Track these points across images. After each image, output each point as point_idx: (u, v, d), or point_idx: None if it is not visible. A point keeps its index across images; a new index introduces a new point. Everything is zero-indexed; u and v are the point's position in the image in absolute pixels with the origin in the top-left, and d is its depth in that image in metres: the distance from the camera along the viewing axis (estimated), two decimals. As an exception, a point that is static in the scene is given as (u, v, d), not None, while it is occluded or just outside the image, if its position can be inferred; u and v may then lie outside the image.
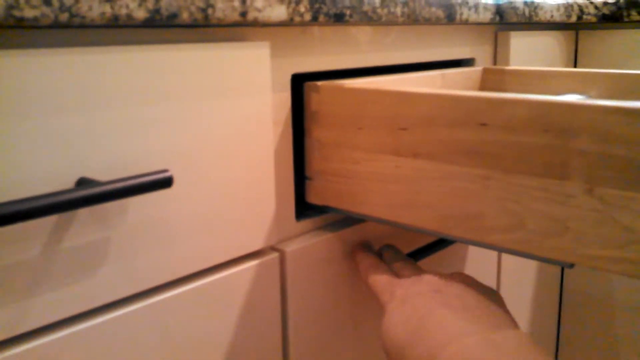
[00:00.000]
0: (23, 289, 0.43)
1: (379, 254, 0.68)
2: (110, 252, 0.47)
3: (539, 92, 0.84)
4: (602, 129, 0.44)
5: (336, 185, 0.63)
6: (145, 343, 0.51)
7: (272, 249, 0.63)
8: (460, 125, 0.52)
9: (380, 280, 0.61)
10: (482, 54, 0.96)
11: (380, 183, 0.58)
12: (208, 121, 0.53)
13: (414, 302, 0.54)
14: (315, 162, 0.64)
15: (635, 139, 0.43)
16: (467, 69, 0.86)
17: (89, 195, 0.42)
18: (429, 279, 0.57)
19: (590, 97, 0.78)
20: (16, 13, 0.39)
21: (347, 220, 0.70)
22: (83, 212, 0.45)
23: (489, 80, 0.88)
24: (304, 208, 0.69)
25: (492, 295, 0.56)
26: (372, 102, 0.58)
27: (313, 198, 0.66)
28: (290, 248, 0.62)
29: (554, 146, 0.47)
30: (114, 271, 0.48)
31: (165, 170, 0.46)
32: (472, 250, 0.93)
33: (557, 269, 1.26)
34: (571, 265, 0.50)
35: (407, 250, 0.77)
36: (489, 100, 0.50)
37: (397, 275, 0.62)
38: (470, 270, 0.94)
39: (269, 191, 0.60)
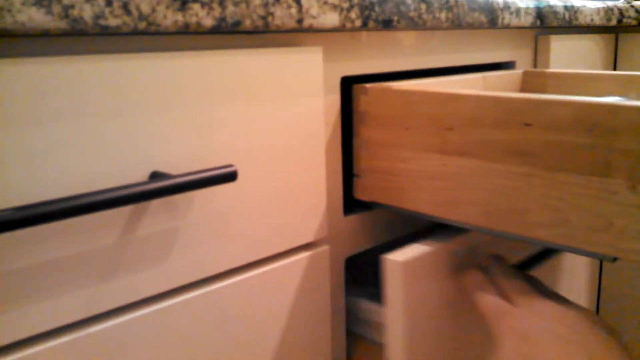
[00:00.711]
0: (101, 273, 0.47)
1: (485, 267, 0.63)
2: (177, 241, 0.51)
3: (579, 94, 0.86)
4: None
5: (383, 183, 0.66)
6: (209, 325, 0.55)
7: (323, 241, 0.66)
8: (505, 125, 0.54)
9: (489, 303, 0.57)
10: (522, 57, 0.98)
11: (427, 181, 0.61)
12: (266, 121, 0.57)
13: (535, 344, 0.50)
14: (363, 160, 0.67)
15: None
16: (508, 71, 0.88)
17: (161, 187, 0.46)
18: (548, 313, 0.53)
19: (631, 99, 0.80)
20: (102, 22, 0.43)
21: (451, 229, 0.65)
22: (154, 204, 0.49)
23: (529, 83, 0.90)
24: (351, 204, 0.72)
25: (616, 340, 0.52)
26: (419, 103, 0.61)
27: (361, 194, 0.69)
28: (402, 258, 0.56)
29: (597, 145, 0.49)
30: (181, 259, 0.52)
31: (230, 165, 0.50)
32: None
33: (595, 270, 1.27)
34: (614, 260, 0.52)
35: (513, 261, 0.72)
36: (534, 102, 0.52)
37: (507, 296, 0.57)
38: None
39: (320, 187, 0.63)
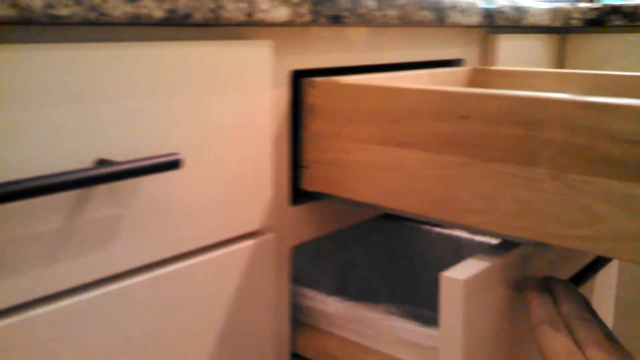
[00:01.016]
0: (47, 256, 0.49)
1: (549, 289, 0.59)
2: (123, 227, 0.53)
3: (522, 90, 0.89)
4: (567, 120, 0.50)
5: (329, 174, 0.68)
6: (152, 309, 0.57)
7: (268, 230, 0.69)
8: (443, 117, 0.57)
9: (559, 351, 0.52)
10: (471, 55, 1.01)
11: (370, 171, 0.64)
12: (214, 112, 0.59)
13: None
14: (310, 152, 0.70)
15: (594, 129, 0.49)
16: (456, 68, 0.92)
17: (106, 173, 0.47)
18: None
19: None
20: (52, 11, 0.44)
21: (508, 245, 0.60)
22: (101, 190, 0.51)
23: (476, 80, 0.94)
24: (300, 195, 0.74)
25: None
26: (364, 97, 0.63)
27: (308, 185, 0.71)
28: (463, 276, 0.52)
29: (525, 136, 0.53)
30: (127, 244, 0.54)
31: (175, 154, 0.52)
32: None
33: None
34: (540, 244, 0.55)
35: (566, 275, 0.69)
36: (469, 96, 0.55)
37: (579, 344, 0.53)
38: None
39: (266, 177, 0.65)
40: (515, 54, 1.09)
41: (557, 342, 0.53)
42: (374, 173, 0.64)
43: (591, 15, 1.16)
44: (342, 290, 1.04)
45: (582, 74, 0.86)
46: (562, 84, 0.87)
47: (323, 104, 0.68)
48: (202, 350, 0.62)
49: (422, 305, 0.98)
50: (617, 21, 1.14)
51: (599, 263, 0.71)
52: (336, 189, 0.68)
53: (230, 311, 0.64)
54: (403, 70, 0.85)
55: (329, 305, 0.75)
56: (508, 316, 0.59)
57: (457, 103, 0.56)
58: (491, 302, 0.56)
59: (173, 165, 0.52)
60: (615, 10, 1.14)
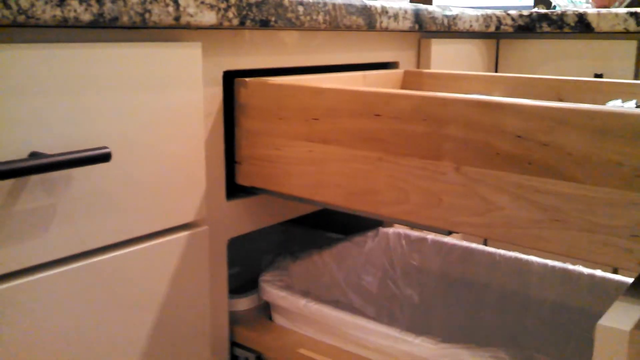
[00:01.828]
0: (-18, 244, 0.51)
1: None
2: (56, 216, 0.56)
3: (451, 92, 0.95)
4: (464, 118, 0.55)
5: (261, 169, 0.72)
6: (85, 298, 0.60)
7: (203, 222, 0.72)
8: (359, 115, 0.62)
9: None
10: (406, 58, 1.06)
11: (297, 166, 0.68)
12: (145, 109, 0.62)
13: None
14: (243, 148, 0.73)
15: (488, 126, 0.54)
16: (389, 71, 0.96)
17: (37, 164, 0.50)
18: None
19: (493, 96, 0.89)
20: (-20, 13, 0.47)
21: None
22: (34, 181, 0.54)
23: (409, 82, 0.99)
24: (236, 190, 0.78)
25: None
26: (290, 96, 0.67)
27: (241, 180, 0.75)
28: (627, 327, 0.47)
29: (430, 133, 0.57)
30: (60, 232, 0.56)
31: (104, 147, 0.55)
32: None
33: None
34: (449, 232, 0.60)
35: None
36: (382, 95, 0.60)
37: None
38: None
39: (200, 172, 0.69)
40: (450, 57, 1.15)
41: None
42: (301, 168, 0.68)
43: (521, 22, 1.23)
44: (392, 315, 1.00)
45: (506, 76, 0.91)
46: (488, 85, 0.93)
47: (254, 103, 0.71)
48: (138, 339, 0.65)
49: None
50: (546, 28, 1.21)
51: None
52: (268, 183, 0.72)
53: (166, 300, 0.67)
54: (342, 72, 0.89)
55: (313, 311, 0.75)
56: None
57: (372, 102, 0.61)
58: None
59: (103, 158, 0.55)
60: (544, 17, 1.21)
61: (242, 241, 1.15)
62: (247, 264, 1.15)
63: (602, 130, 0.49)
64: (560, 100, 0.86)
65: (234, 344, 0.80)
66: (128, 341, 0.64)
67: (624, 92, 0.81)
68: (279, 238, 1.20)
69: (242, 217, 0.78)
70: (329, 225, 1.20)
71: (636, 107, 0.73)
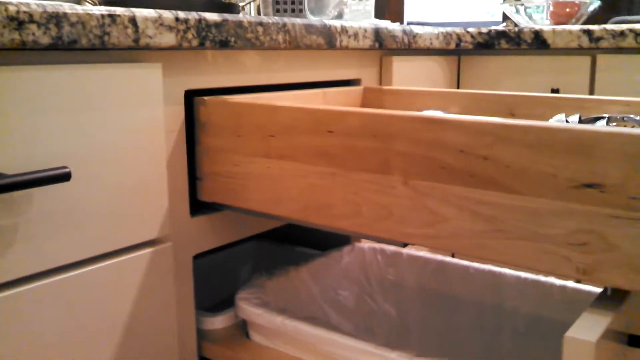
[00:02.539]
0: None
1: None
2: (18, 235, 0.57)
3: (409, 108, 0.98)
4: (410, 134, 0.57)
5: (222, 185, 0.74)
6: (48, 318, 0.61)
7: (167, 239, 0.74)
8: (313, 132, 0.64)
9: None
10: (368, 75, 1.09)
11: (256, 182, 0.70)
12: (106, 128, 0.64)
13: None
14: (204, 165, 0.75)
15: (432, 141, 0.56)
16: (349, 88, 0.99)
17: (-1, 185, 0.52)
18: None
19: (448, 112, 0.92)
20: (-61, 39, 0.49)
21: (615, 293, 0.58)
22: (-5, 201, 0.55)
23: (369, 98, 1.02)
24: (201, 206, 0.80)
25: None
26: (248, 114, 0.69)
27: (203, 196, 0.77)
28: (593, 337, 0.49)
29: (379, 148, 0.60)
30: (21, 251, 0.58)
31: (64, 167, 0.56)
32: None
33: None
34: (404, 245, 0.62)
35: None
36: (334, 113, 0.62)
37: None
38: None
39: (162, 189, 0.70)
40: (412, 73, 1.18)
41: None
42: (259, 183, 0.70)
43: (480, 39, 1.27)
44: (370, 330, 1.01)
45: (461, 92, 0.94)
46: (444, 101, 0.96)
47: (213, 121, 0.73)
48: (105, 357, 0.66)
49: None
50: (504, 44, 1.25)
51: None
52: (229, 199, 0.74)
53: (131, 317, 0.69)
54: (306, 89, 0.91)
55: (289, 328, 0.75)
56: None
57: (324, 120, 0.63)
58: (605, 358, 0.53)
59: (63, 177, 0.57)
60: (502, 34, 1.25)
61: (219, 259, 1.17)
62: (224, 281, 1.16)
63: (536, 145, 0.52)
64: (513, 115, 0.89)
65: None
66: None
67: (573, 107, 0.85)
68: (256, 255, 1.22)
69: (207, 233, 0.80)
70: (306, 241, 1.21)
71: (580, 121, 0.77)
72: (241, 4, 1.21)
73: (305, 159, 0.65)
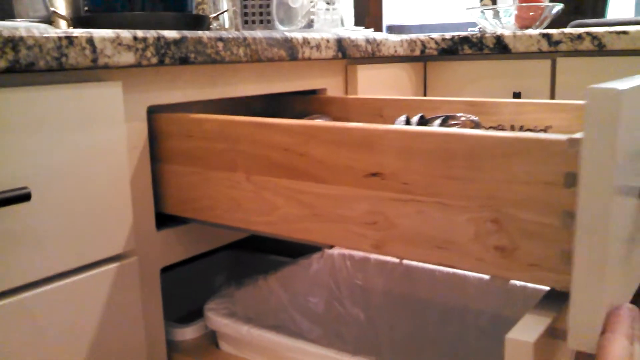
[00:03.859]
0: None
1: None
2: (-19, 256, 0.58)
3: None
4: (249, 136, 0.68)
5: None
6: (15, 335, 0.62)
7: (132, 253, 0.75)
8: (178, 137, 0.75)
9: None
10: (334, 84, 1.11)
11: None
12: (67, 147, 0.65)
13: None
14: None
15: (264, 142, 0.66)
16: (309, 97, 1.01)
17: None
18: None
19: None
20: None
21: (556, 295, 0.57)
22: (-44, 223, 0.56)
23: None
24: (167, 220, 0.81)
25: None
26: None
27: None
28: (532, 338, 0.49)
29: (228, 149, 0.70)
30: (-15, 271, 0.59)
31: (24, 188, 0.57)
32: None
33: None
34: (249, 231, 0.72)
35: None
36: (193, 120, 0.73)
37: None
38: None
39: (126, 204, 0.72)
40: (377, 81, 1.20)
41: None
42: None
43: (444, 45, 1.29)
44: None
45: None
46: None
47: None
48: (70, 369, 0.67)
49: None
50: (467, 50, 1.27)
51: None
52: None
53: (98, 333, 0.70)
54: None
55: (255, 336, 0.76)
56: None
57: (185, 126, 0.73)
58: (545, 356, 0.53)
59: (22, 198, 0.58)
60: (465, 40, 1.27)
61: (193, 269, 1.18)
62: (198, 291, 1.17)
63: (337, 142, 0.62)
64: (381, 117, 0.96)
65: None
66: (59, 372, 0.66)
67: (429, 108, 0.93)
68: (229, 264, 1.23)
69: (174, 246, 0.81)
70: (279, 250, 1.22)
71: (420, 120, 0.86)
72: (212, 16, 1.22)
73: (181, 160, 0.76)
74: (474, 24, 1.78)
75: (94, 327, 0.69)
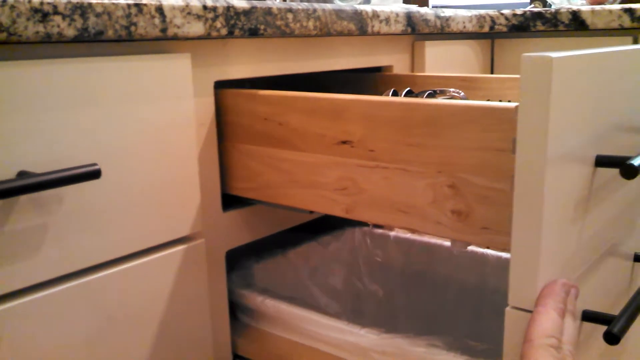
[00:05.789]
0: (-28, 266, 0.51)
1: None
2: (49, 236, 0.55)
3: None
4: (238, 107, 0.70)
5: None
6: (84, 317, 0.59)
7: (199, 236, 0.71)
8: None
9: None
10: (401, 61, 1.06)
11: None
12: (136, 123, 0.61)
13: None
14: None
15: (250, 112, 0.69)
16: (378, 74, 0.96)
17: (27, 184, 0.50)
18: None
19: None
20: (-39, 33, 0.47)
21: None
22: (23, 200, 0.53)
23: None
24: (232, 201, 0.77)
25: None
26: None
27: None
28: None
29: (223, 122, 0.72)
30: (52, 252, 0.56)
31: (94, 164, 0.54)
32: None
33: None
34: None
35: None
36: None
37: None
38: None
39: (193, 184, 0.68)
40: (444, 58, 1.14)
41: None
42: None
43: (515, 22, 1.22)
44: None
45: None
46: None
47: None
48: (138, 357, 0.64)
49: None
50: (540, 26, 1.20)
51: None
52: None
53: (165, 315, 0.67)
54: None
55: (269, 307, 0.77)
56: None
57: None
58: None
59: (92, 175, 0.54)
60: (538, 16, 1.20)
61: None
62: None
63: (311, 111, 0.64)
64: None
65: (237, 356, 0.80)
66: (131, 356, 0.63)
67: (430, 83, 0.90)
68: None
69: (240, 228, 0.77)
70: (300, 226, 1.17)
71: (406, 93, 0.83)
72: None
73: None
74: (523, 5, 1.69)
75: (160, 309, 0.66)
